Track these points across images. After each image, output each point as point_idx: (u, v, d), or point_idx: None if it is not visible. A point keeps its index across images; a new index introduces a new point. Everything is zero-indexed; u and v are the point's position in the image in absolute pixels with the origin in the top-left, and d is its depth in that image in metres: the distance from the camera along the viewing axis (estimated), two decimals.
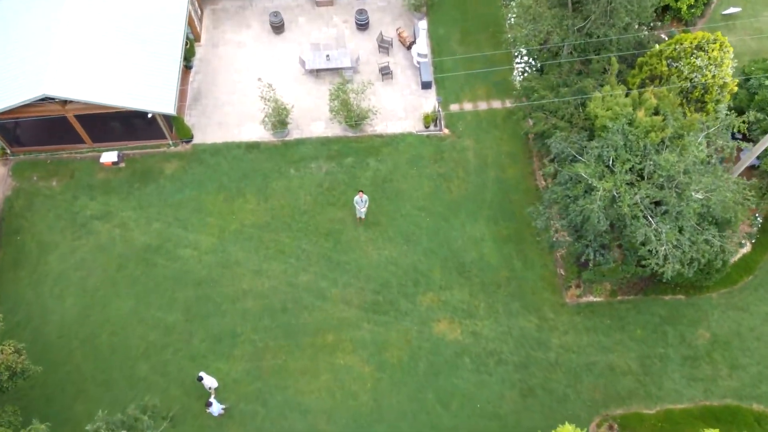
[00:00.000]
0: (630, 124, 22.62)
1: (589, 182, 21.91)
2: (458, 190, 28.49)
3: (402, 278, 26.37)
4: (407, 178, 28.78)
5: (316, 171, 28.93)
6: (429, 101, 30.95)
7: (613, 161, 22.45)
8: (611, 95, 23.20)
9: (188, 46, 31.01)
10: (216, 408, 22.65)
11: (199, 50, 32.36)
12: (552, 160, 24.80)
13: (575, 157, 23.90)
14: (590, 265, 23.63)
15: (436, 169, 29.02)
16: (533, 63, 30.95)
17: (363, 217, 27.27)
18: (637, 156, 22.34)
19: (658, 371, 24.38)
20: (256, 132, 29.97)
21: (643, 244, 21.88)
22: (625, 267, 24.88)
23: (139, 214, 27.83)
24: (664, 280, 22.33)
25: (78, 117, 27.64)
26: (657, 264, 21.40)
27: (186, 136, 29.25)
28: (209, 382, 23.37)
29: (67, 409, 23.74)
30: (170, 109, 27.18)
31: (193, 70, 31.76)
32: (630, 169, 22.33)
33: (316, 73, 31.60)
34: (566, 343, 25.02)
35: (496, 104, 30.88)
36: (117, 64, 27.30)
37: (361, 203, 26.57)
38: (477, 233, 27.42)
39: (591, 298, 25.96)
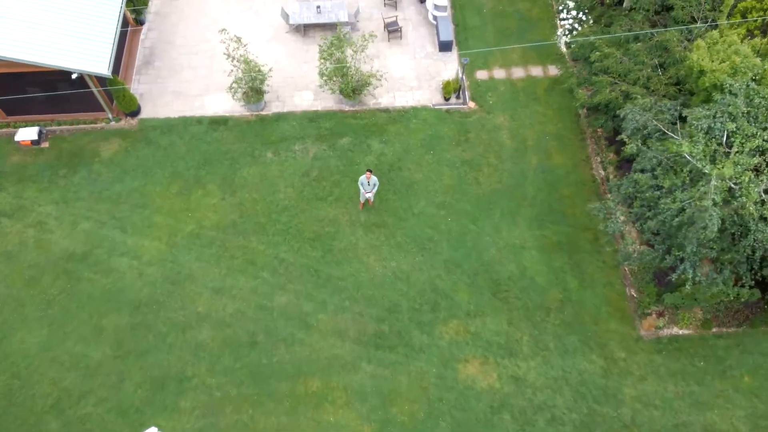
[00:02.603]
0: (757, 81, 15.54)
1: (698, 167, 14.81)
2: (490, 182, 21.43)
3: (415, 300, 19.33)
4: (421, 165, 21.73)
5: (301, 155, 21.89)
6: (449, 66, 23.90)
7: (729, 137, 15.36)
8: (724, 41, 16.10)
9: None
10: None
11: (155, 2, 25.28)
12: (624, 140, 17.71)
13: (664, 133, 16.84)
14: (687, 285, 16.50)
15: (459, 154, 21.97)
16: (584, 18, 23.89)
17: (371, 199, 20.42)
18: (766, 130, 15.25)
19: None
20: (224, 104, 22.92)
21: None
22: (725, 288, 17.85)
23: (63, 211, 20.75)
24: None
25: None
26: None
27: (130, 108, 22.16)
28: None
29: None
30: (103, 69, 20.14)
31: (145, 26, 24.67)
32: (755, 148, 15.25)
33: (303, 30, 24.52)
34: (645, 395, 17.94)
35: (536, 71, 23.82)
36: (31, 6, 20.20)
37: (368, 186, 19.65)
38: (516, 239, 20.36)
39: (675, 330, 18.89)
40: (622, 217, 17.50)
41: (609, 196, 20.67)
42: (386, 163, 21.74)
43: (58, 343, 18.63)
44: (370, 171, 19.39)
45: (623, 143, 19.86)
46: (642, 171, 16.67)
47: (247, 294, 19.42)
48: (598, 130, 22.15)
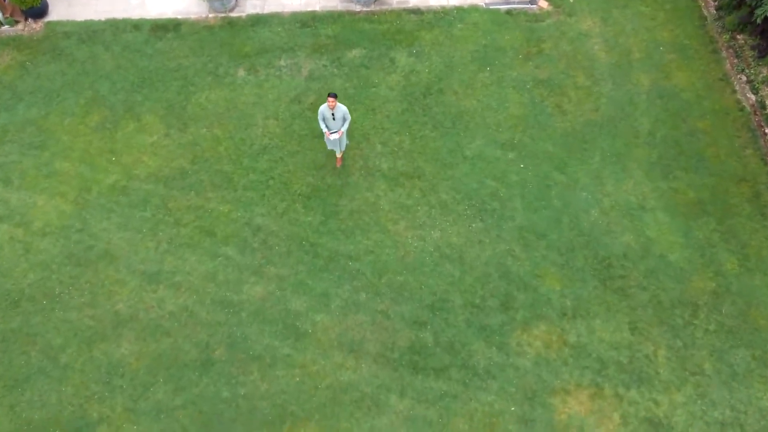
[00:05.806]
0: None
1: None
2: (581, 112, 13.95)
3: (475, 292, 11.80)
4: (474, 87, 14.24)
5: (289, 73, 14.39)
6: None
7: None
8: None
9: None
10: None
11: None
12: None
13: None
14: None
15: (530, 72, 14.49)
16: None
17: (339, 155, 12.86)
18: None
19: None
20: (174, 1, 15.44)
21: None
22: None
23: None
24: None
25: None
26: None
27: (30, 2, 14.64)
28: None
29: None
30: None
31: None
32: None
33: None
34: None
35: None
36: None
37: (332, 122, 11.89)
38: (631, 196, 12.86)
39: None
40: None
41: None
42: (420, 85, 14.24)
43: None
44: (334, 96, 11.33)
45: None
46: None
47: (199, 282, 11.87)
48: (738, 36, 14.71)
